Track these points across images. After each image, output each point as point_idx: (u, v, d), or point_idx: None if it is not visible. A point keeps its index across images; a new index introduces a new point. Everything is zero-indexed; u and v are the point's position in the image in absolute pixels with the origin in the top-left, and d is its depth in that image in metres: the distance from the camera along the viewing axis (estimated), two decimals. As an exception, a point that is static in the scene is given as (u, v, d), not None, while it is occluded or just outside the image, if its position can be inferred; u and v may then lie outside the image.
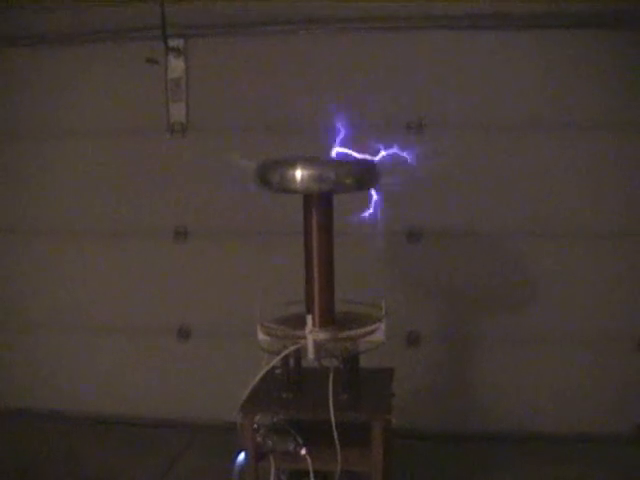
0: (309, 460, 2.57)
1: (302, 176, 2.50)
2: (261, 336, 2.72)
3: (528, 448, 3.92)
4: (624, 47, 3.78)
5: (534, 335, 4.00)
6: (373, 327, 2.67)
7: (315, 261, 2.68)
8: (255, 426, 2.62)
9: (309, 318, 2.58)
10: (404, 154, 3.87)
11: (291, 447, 2.60)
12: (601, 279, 3.94)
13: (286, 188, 2.56)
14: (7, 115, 4.32)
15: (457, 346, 4.10)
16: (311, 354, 2.57)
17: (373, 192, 2.81)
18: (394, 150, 3.81)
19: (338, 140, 3.76)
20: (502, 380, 4.05)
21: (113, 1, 4.06)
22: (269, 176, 2.59)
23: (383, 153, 2.86)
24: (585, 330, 3.98)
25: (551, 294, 3.97)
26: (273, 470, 2.62)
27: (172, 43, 4.02)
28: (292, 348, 2.59)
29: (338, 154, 2.68)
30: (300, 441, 2.59)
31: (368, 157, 2.70)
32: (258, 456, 2.63)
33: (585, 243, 3.94)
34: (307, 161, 2.54)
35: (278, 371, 2.70)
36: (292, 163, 2.52)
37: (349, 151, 2.75)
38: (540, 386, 4.03)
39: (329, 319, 2.70)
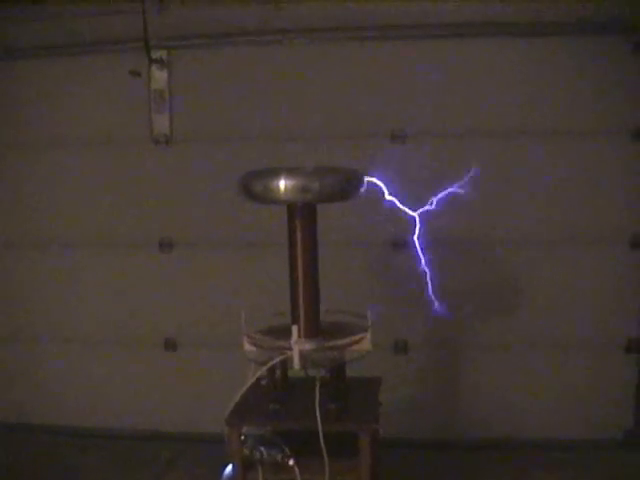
0: (297, 471, 2.55)
1: (286, 186, 2.49)
2: (247, 347, 2.71)
3: (518, 455, 3.93)
4: (615, 54, 3.81)
5: (522, 341, 4.02)
6: (359, 336, 2.66)
7: (300, 271, 2.67)
8: (242, 437, 2.60)
9: (294, 328, 2.57)
10: (390, 162, 3.90)
11: (279, 458, 2.58)
12: (589, 284, 3.96)
13: (270, 198, 2.55)
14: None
15: (445, 353, 4.10)
16: (297, 364, 2.55)
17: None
18: (380, 158, 3.85)
19: (322, 150, 3.79)
20: (491, 387, 4.05)
21: (96, 13, 4.05)
22: (252, 186, 2.58)
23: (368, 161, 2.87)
24: (574, 335, 4.00)
25: (539, 300, 3.98)
26: (261, 481, 2.61)
27: (155, 55, 4.02)
28: (278, 359, 2.58)
29: (322, 164, 2.67)
30: (288, 452, 2.58)
31: (353, 166, 2.69)
32: (246, 467, 2.61)
33: (574, 249, 3.95)
34: (291, 171, 2.53)
35: (264, 382, 2.69)
36: (276, 173, 2.51)
37: (334, 161, 2.74)
38: (529, 392, 4.04)
39: (315, 329, 2.69)
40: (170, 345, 4.29)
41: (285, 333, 2.60)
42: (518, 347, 4.03)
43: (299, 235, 2.65)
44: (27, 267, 4.38)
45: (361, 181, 2.64)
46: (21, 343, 4.44)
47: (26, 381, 4.42)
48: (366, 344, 2.67)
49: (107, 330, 4.33)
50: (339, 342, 2.63)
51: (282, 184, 2.49)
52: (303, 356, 2.56)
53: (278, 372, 2.68)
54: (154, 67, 4.05)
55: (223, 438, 2.63)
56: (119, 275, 4.28)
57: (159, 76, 4.08)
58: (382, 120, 3.95)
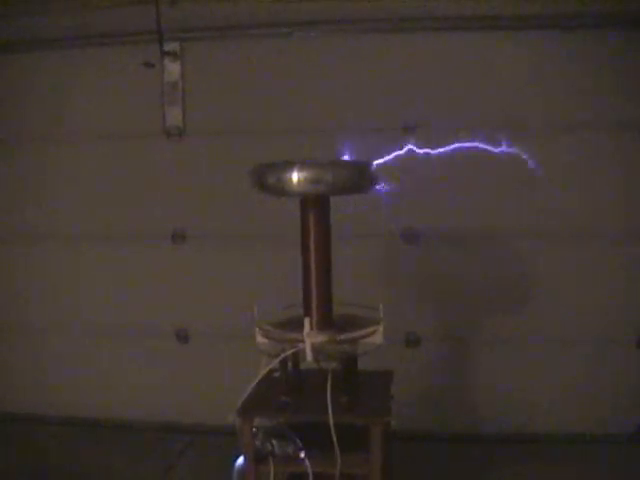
0: (308, 463, 2.56)
1: (299, 178, 2.49)
2: (259, 339, 2.71)
3: (527, 449, 3.92)
4: (617, 47, 3.79)
5: (533, 336, 4.00)
6: (371, 329, 2.67)
7: (313, 263, 2.66)
8: (254, 429, 2.61)
9: (307, 321, 2.57)
10: (401, 156, 3.90)
11: (290, 450, 2.59)
12: (598, 279, 3.95)
13: (283, 191, 2.55)
14: (1, 121, 4.32)
15: (456, 347, 4.10)
16: (309, 357, 2.55)
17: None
18: (391, 152, 3.85)
19: (335, 142, 3.77)
20: (501, 381, 4.04)
21: (109, 5, 4.06)
22: (265, 179, 2.58)
23: (380, 155, 2.86)
24: (584, 330, 3.98)
25: (549, 294, 3.97)
26: (272, 473, 2.61)
27: (168, 47, 4.02)
28: (290, 351, 2.58)
29: (335, 156, 2.66)
30: (299, 444, 2.59)
31: (365, 159, 2.69)
32: (257, 459, 2.62)
33: (582, 244, 3.94)
34: (304, 163, 2.52)
35: (276, 374, 2.70)
36: (289, 165, 2.51)
37: (346, 153, 2.74)
38: (539, 386, 4.03)
39: (327, 322, 2.69)
40: (182, 337, 4.30)
41: (297, 325, 2.61)
42: (529, 341, 4.02)
43: (312, 227, 2.65)
44: (40, 260, 4.40)
45: (374, 174, 2.64)
46: (32, 335, 4.46)
47: (37, 373, 4.45)
48: (378, 337, 2.67)
49: (119, 322, 4.34)
50: (351, 335, 2.63)
51: (295, 176, 2.49)
52: (315, 348, 2.56)
53: (290, 364, 2.69)
54: (167, 59, 4.06)
55: (235, 430, 2.64)
56: (132, 267, 4.29)
57: (172, 68, 4.08)
58: (394, 113, 3.95)
